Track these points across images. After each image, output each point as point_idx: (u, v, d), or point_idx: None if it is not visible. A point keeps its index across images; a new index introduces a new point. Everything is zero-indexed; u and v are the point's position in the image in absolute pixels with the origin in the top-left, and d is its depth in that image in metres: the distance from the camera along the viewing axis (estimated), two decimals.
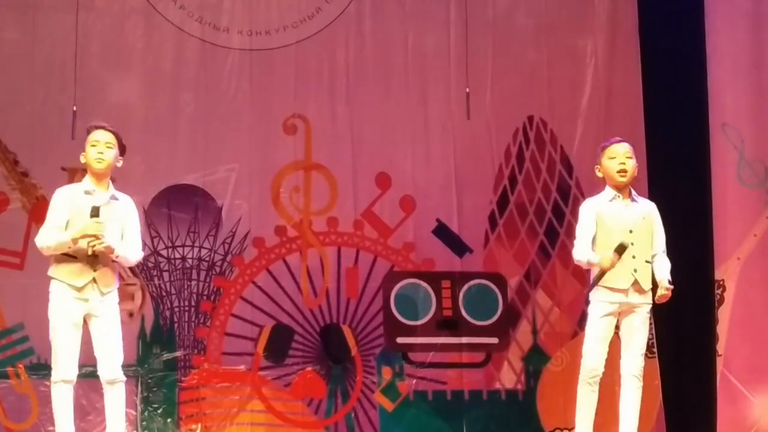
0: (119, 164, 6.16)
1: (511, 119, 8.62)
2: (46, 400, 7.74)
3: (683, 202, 8.42)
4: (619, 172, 6.27)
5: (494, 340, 8.48)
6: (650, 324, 6.47)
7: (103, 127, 6.15)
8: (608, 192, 6.33)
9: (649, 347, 8.33)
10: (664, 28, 8.59)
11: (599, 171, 6.39)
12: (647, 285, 6.25)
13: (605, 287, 6.22)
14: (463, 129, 8.53)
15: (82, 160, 6.12)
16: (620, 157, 6.29)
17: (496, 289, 8.50)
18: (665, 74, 8.56)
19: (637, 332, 6.28)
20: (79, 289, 5.94)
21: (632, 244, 6.21)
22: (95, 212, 5.89)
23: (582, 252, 6.26)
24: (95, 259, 5.93)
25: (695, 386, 8.40)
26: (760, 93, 8.54)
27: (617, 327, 6.29)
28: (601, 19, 8.73)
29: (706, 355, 8.39)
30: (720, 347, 8.36)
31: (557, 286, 8.53)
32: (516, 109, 8.63)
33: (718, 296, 8.44)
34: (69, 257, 5.96)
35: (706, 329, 8.42)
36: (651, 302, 6.31)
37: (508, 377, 8.46)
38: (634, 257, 6.22)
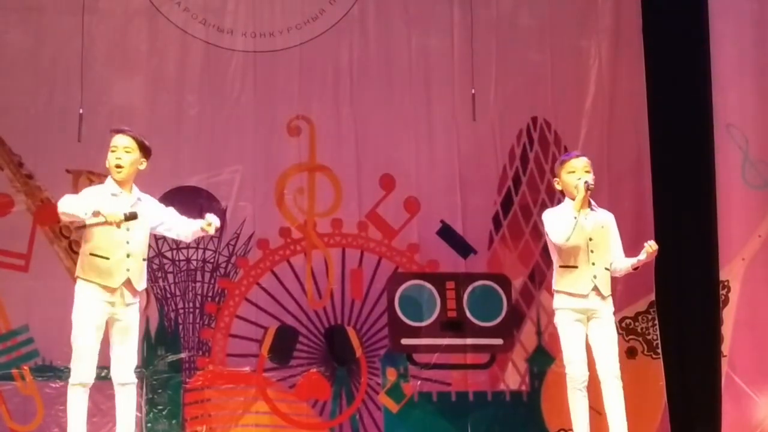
0: (142, 167, 6.18)
1: (515, 120, 8.62)
2: (51, 401, 7.80)
3: (688, 202, 8.43)
4: (578, 186, 6.38)
5: (499, 342, 8.48)
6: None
7: (122, 131, 6.18)
8: (567, 204, 6.45)
9: (653, 348, 8.40)
10: (668, 28, 8.59)
11: (558, 184, 6.53)
12: (606, 291, 6.45)
13: (566, 293, 6.42)
14: (467, 130, 8.54)
15: (107, 164, 6.15)
16: (579, 172, 6.46)
17: (501, 290, 8.51)
18: (669, 75, 8.56)
19: (606, 334, 6.44)
20: (112, 291, 5.94)
21: (592, 251, 6.41)
22: (132, 216, 5.88)
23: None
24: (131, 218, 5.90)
25: (700, 387, 8.40)
26: (764, 94, 8.54)
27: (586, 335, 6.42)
28: (605, 20, 8.74)
29: (710, 355, 8.38)
30: (725, 348, 8.35)
31: None
32: (520, 110, 8.63)
33: (723, 297, 8.43)
34: (101, 257, 5.97)
35: (711, 330, 8.41)
36: (612, 307, 6.50)
37: (513, 378, 8.47)
38: (593, 264, 6.43)
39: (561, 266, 6.47)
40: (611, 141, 8.46)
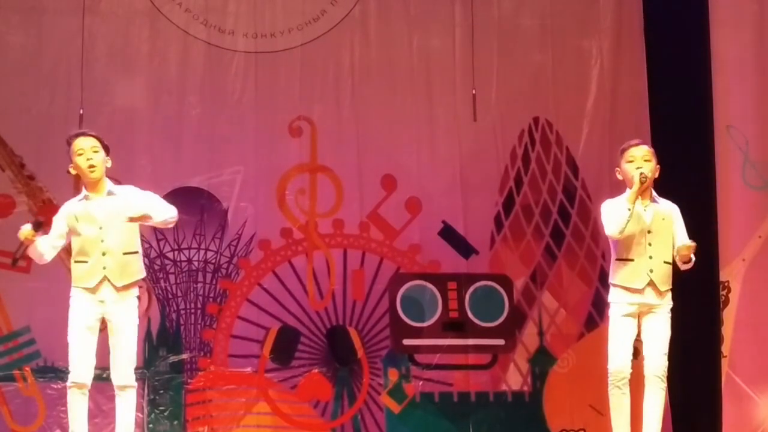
0: (108, 165, 6.14)
1: (517, 120, 8.62)
2: (52, 403, 7.80)
3: (688, 203, 8.39)
4: (633, 177, 6.27)
5: (500, 342, 8.49)
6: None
7: (83, 134, 6.16)
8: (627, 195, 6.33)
9: None
10: (669, 29, 8.60)
11: (619, 174, 6.39)
12: (664, 286, 6.27)
13: (622, 287, 6.26)
14: (468, 130, 8.54)
15: (72, 171, 6.11)
16: (638, 161, 6.31)
17: (502, 291, 8.51)
18: (670, 76, 8.56)
19: (658, 333, 6.31)
20: (93, 290, 5.95)
21: (650, 244, 6.24)
22: (38, 226, 5.99)
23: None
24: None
25: (701, 387, 8.40)
26: (764, 95, 8.54)
27: (638, 329, 6.30)
28: (607, 20, 8.74)
29: (711, 356, 8.39)
30: (725, 348, 8.36)
31: (563, 288, 8.53)
32: (521, 111, 8.63)
33: (723, 297, 8.44)
34: (82, 262, 5.99)
35: (712, 330, 8.42)
36: (671, 303, 6.34)
37: (515, 379, 8.47)
38: (651, 257, 6.24)
39: (617, 259, 6.29)
40: (612, 141, 8.42)
